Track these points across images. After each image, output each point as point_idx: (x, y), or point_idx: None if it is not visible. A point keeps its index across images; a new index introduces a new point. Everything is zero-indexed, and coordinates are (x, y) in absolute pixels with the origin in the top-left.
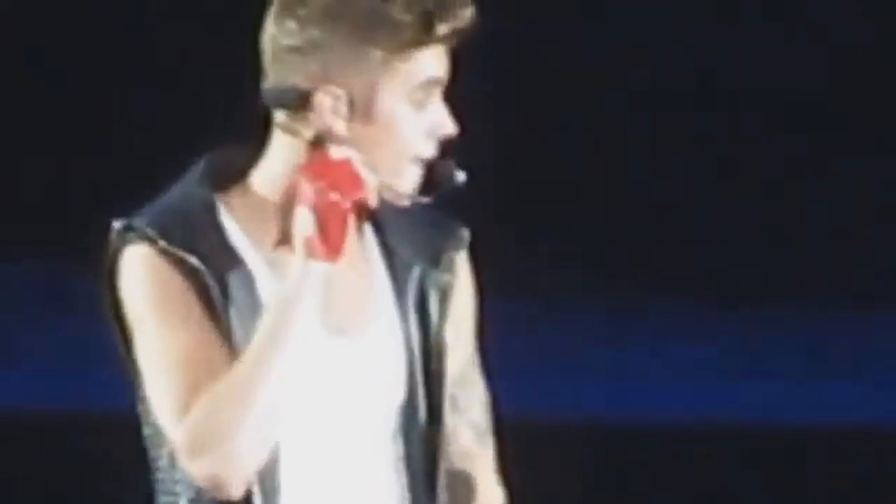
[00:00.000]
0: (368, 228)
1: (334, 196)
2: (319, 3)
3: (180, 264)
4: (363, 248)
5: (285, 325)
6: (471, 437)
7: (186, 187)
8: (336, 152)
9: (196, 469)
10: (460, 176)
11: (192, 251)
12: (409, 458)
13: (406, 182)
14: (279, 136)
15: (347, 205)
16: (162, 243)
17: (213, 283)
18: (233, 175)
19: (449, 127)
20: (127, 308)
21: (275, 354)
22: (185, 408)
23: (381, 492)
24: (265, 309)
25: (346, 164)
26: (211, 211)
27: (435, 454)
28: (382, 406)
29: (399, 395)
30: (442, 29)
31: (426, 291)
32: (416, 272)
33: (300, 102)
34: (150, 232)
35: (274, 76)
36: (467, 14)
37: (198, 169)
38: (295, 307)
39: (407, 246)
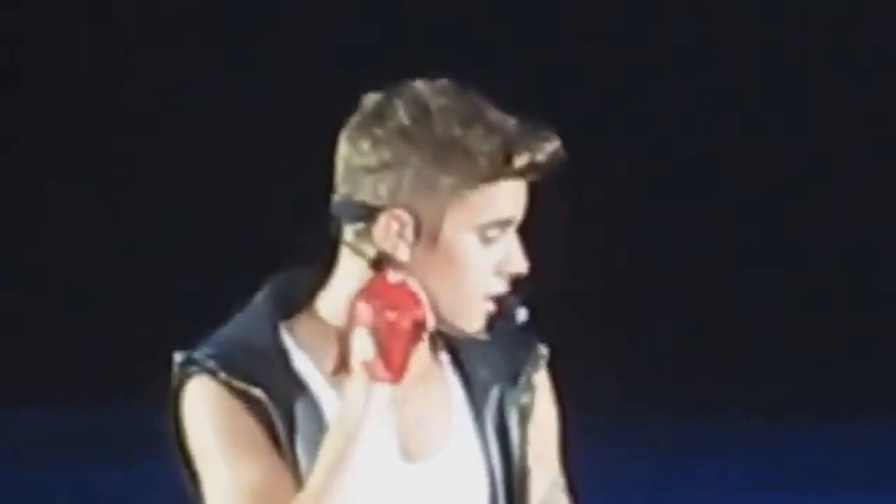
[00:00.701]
0: (443, 349)
1: (392, 316)
2: (395, 124)
3: (243, 396)
4: (438, 369)
5: (348, 450)
6: None
7: (251, 314)
8: (394, 276)
9: None
10: (522, 314)
11: (255, 382)
12: None
13: (468, 318)
14: (346, 258)
15: (406, 324)
16: (223, 375)
17: (279, 414)
18: (299, 298)
19: (520, 265)
20: (191, 441)
21: (338, 480)
22: None
23: None
24: (327, 435)
25: (402, 285)
26: (275, 338)
27: None
28: None
29: None
30: (519, 162)
31: (506, 413)
32: (494, 393)
33: (366, 220)
34: (212, 364)
35: (343, 191)
36: (549, 148)
37: (263, 294)
38: (358, 431)
39: (484, 366)
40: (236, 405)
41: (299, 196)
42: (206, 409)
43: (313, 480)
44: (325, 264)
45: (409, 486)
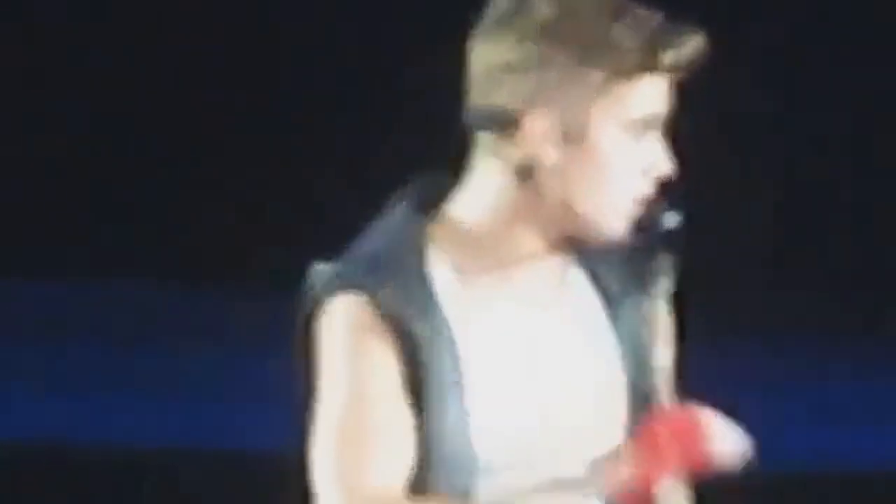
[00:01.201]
0: (574, 260)
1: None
2: (540, 18)
3: (391, 324)
4: (572, 282)
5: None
6: None
7: (393, 226)
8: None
9: None
10: (673, 219)
11: (406, 310)
12: None
13: (614, 221)
14: (482, 161)
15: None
16: (378, 298)
17: (423, 346)
18: (435, 205)
19: (666, 166)
20: (321, 360)
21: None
22: (339, 484)
23: None
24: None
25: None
26: (420, 255)
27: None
28: (598, 449)
29: (617, 437)
30: (667, 58)
31: (639, 324)
32: (627, 304)
33: (508, 125)
34: (366, 284)
35: (480, 95)
36: (695, 44)
37: (404, 203)
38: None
39: (615, 277)
40: (381, 334)
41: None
42: (345, 332)
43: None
44: (457, 172)
45: (550, 404)
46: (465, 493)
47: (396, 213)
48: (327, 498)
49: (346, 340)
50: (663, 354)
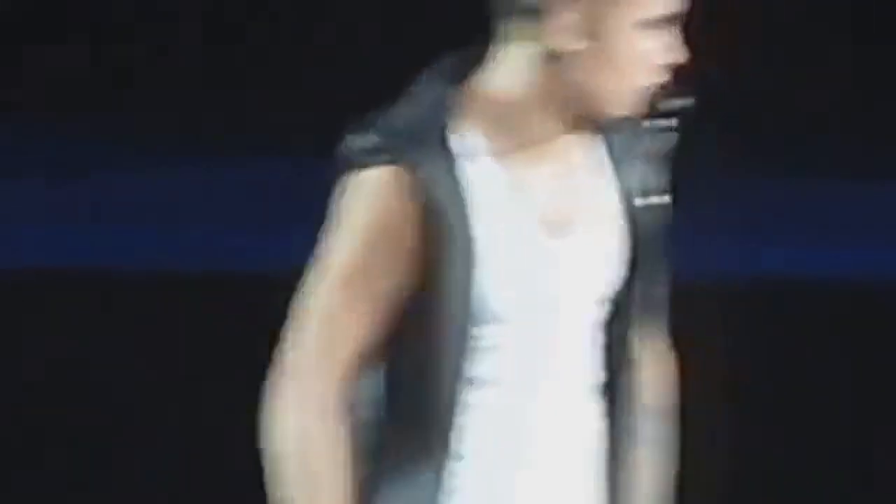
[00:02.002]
0: (596, 134)
1: None
2: None
3: (417, 193)
4: (590, 149)
5: None
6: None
7: (424, 96)
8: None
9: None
10: (684, 103)
11: (431, 177)
12: (610, 342)
13: (629, 104)
14: (509, 44)
15: None
16: (407, 168)
17: (443, 212)
18: (464, 78)
19: (679, 54)
20: (340, 221)
21: None
22: (309, 349)
23: (578, 376)
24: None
25: None
26: (448, 124)
27: (630, 335)
28: (593, 301)
29: (612, 289)
30: None
31: (638, 185)
32: (630, 167)
33: (538, 18)
34: (396, 153)
35: None
36: None
37: (435, 75)
38: None
39: (624, 145)
40: (405, 205)
41: None
42: (370, 203)
43: None
44: (484, 50)
45: (548, 261)
46: (474, 344)
47: (427, 85)
48: (297, 352)
49: (368, 212)
50: (659, 208)
